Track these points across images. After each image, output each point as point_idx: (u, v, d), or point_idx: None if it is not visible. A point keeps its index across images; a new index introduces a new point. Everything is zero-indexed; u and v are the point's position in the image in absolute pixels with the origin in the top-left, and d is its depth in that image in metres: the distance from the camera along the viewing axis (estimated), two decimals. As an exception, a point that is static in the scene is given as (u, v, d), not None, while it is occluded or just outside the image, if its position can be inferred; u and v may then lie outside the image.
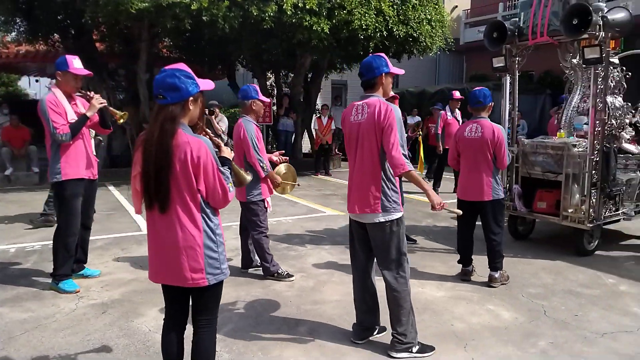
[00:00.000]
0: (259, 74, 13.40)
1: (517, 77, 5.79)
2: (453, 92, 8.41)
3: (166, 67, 2.23)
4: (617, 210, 5.30)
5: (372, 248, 3.24)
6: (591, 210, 4.98)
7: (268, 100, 4.71)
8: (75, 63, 4.09)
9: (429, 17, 10.96)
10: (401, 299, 3.10)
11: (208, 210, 2.29)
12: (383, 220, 3.06)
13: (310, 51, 10.78)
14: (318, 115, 12.13)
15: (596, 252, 5.27)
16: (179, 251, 2.23)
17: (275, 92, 14.12)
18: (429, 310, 3.80)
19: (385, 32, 10.23)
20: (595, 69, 4.83)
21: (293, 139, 13.30)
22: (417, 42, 11.00)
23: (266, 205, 4.53)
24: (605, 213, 5.16)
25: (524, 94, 14.33)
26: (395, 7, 10.32)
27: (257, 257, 4.69)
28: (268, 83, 14.01)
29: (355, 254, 3.32)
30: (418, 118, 14.99)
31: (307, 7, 9.25)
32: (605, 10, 4.81)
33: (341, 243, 5.73)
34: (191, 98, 2.21)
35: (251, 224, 4.50)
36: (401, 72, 3.24)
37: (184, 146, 2.15)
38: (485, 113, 4.39)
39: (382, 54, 3.14)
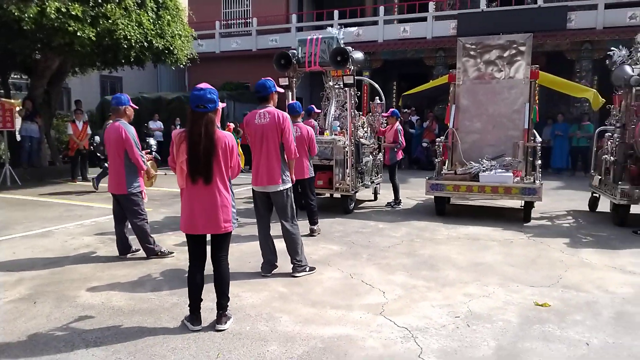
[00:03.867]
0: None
1: (294, 92, 7.90)
2: (311, 105, 9.78)
3: (200, 86, 3.31)
4: (362, 182, 8.09)
5: (271, 210, 4.77)
6: (352, 183, 7.56)
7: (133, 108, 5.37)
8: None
9: (180, 33, 12.25)
10: (297, 238, 4.75)
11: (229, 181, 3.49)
12: (283, 188, 4.65)
13: (70, 55, 10.59)
14: (72, 119, 11.76)
15: (354, 211, 7.93)
16: (218, 209, 3.36)
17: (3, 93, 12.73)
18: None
19: (145, 43, 11.03)
20: (350, 89, 7.40)
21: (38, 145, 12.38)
22: (172, 54, 12.13)
23: (143, 196, 5.32)
24: (357, 185, 7.85)
25: (248, 103, 17.19)
26: (152, 21, 11.22)
27: (132, 244, 5.41)
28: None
29: (260, 215, 4.77)
30: (160, 123, 15.91)
31: (71, 12, 9.31)
32: (351, 51, 7.39)
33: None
34: (218, 107, 3.37)
35: (133, 213, 5.22)
36: (282, 90, 4.84)
37: (223, 138, 3.32)
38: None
39: (271, 78, 4.69)
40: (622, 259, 5.41)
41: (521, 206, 7.70)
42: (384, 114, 8.77)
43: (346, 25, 18.08)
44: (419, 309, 3.96)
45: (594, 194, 8.14)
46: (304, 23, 19.74)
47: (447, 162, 8.31)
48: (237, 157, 3.49)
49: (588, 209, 8.24)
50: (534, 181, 7.34)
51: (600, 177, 7.71)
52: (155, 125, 15.78)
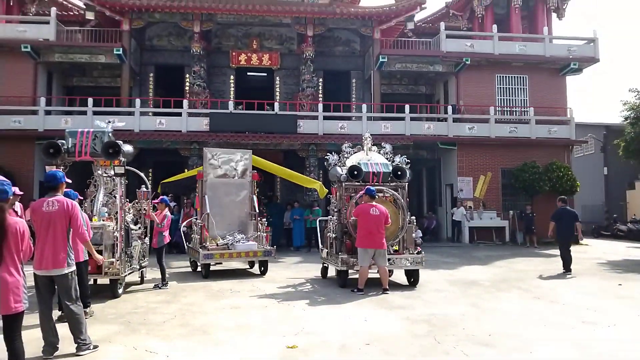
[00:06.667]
0: None
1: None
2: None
3: (-10, 178, 3.75)
4: (131, 265, 8.47)
5: (54, 293, 5.01)
6: (122, 266, 7.92)
7: None
8: None
9: None
10: (81, 318, 5.08)
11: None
12: (68, 271, 5.01)
13: None
14: None
15: (123, 295, 8.18)
16: (8, 291, 3.73)
17: None
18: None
19: None
20: (121, 178, 7.98)
21: None
22: None
23: None
24: (127, 268, 8.21)
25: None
26: None
27: None
28: None
29: (43, 299, 4.93)
30: None
31: None
32: (122, 144, 8.04)
33: None
34: (10, 197, 3.84)
35: None
36: (69, 180, 5.28)
37: (14, 224, 3.80)
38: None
39: (61, 170, 5.15)
40: (346, 310, 7.29)
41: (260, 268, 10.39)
42: (154, 201, 9.48)
43: (98, 113, 17.97)
44: (201, 363, 4.81)
45: (324, 264, 10.33)
46: (54, 107, 18.95)
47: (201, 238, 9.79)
48: (28, 240, 3.93)
49: (321, 276, 10.34)
50: (268, 247, 11.06)
51: (327, 250, 9.93)
52: None
